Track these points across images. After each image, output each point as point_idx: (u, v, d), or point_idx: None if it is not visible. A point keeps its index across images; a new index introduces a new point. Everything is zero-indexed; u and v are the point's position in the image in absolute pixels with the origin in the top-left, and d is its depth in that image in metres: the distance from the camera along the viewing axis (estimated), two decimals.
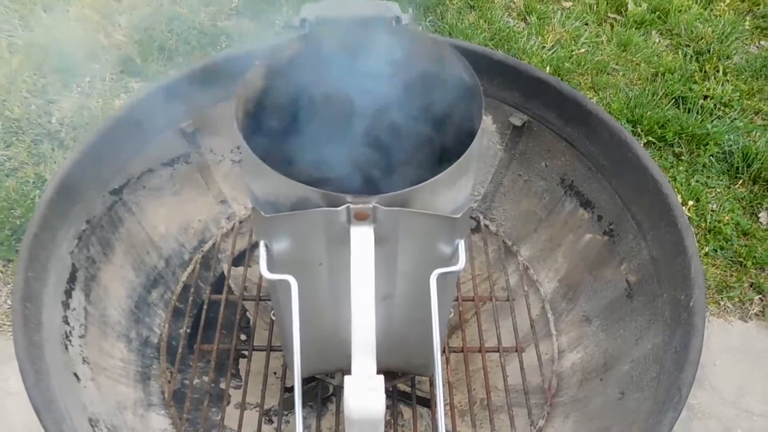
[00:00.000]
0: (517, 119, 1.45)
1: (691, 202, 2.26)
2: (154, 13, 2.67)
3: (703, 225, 2.23)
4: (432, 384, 1.33)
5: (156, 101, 1.37)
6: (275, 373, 1.47)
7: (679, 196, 2.26)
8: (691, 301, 1.08)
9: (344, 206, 0.88)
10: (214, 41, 2.58)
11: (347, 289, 0.91)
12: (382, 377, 0.90)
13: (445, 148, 1.13)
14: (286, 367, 1.38)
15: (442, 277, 0.95)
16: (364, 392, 0.87)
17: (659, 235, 1.23)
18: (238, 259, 1.56)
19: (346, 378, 0.89)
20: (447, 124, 1.10)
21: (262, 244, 0.95)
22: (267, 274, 0.94)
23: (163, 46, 2.54)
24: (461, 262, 0.94)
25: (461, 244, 0.95)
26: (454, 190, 0.97)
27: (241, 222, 1.57)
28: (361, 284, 0.91)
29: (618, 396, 1.19)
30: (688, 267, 1.12)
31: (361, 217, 0.90)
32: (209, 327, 1.42)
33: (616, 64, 2.70)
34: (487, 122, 1.50)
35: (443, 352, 1.39)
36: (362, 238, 0.91)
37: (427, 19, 2.72)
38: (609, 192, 1.36)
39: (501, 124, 1.49)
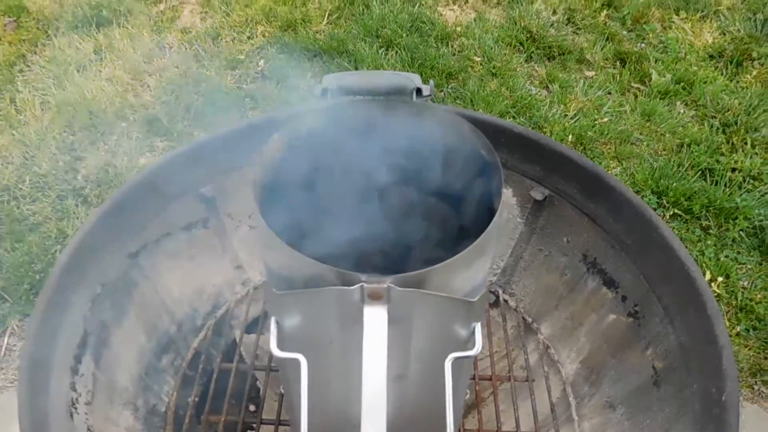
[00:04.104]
0: (538, 193, 1.42)
1: (720, 279, 2.19)
2: (182, 75, 2.75)
3: (734, 303, 2.16)
4: None
5: (177, 166, 1.38)
6: None
7: (707, 272, 2.19)
8: (723, 395, 1.02)
9: (358, 285, 0.86)
10: (239, 103, 2.64)
11: (359, 370, 0.88)
12: None
13: (463, 226, 1.11)
14: None
15: (457, 361, 0.91)
16: None
17: (687, 321, 1.17)
18: (252, 326, 1.53)
19: None
20: (465, 201, 1.08)
21: (272, 320, 0.93)
22: (277, 352, 0.92)
23: (189, 107, 2.60)
24: (478, 347, 0.91)
25: (478, 328, 0.91)
26: (472, 271, 0.94)
27: (255, 288, 1.55)
28: (373, 366, 0.87)
29: None
30: (719, 357, 1.06)
31: (374, 297, 0.88)
32: (218, 396, 1.38)
33: (640, 134, 2.68)
34: (508, 195, 1.48)
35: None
36: (375, 319, 0.88)
37: (449, 86, 2.76)
38: (633, 272, 1.31)
39: (521, 198, 1.47)
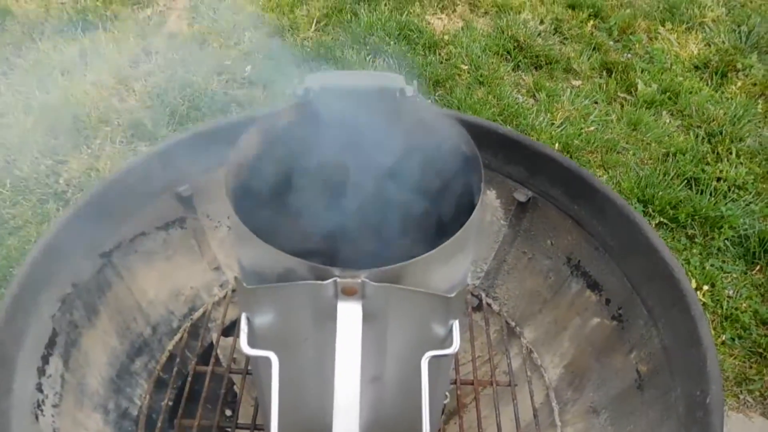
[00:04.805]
0: (521, 195, 1.41)
1: (705, 287, 2.18)
2: (168, 80, 2.72)
3: (719, 312, 2.14)
4: None
5: (154, 164, 1.35)
6: None
7: (693, 281, 2.18)
8: (707, 398, 1.00)
9: (331, 280, 0.83)
10: (225, 108, 2.61)
11: (332, 369, 0.85)
12: None
13: (443, 223, 1.09)
14: None
15: (435, 360, 0.89)
16: None
17: (672, 323, 1.15)
18: (229, 329, 1.50)
19: None
20: (446, 197, 1.06)
21: (243, 316, 0.90)
22: (247, 350, 0.89)
23: (175, 111, 2.57)
24: (455, 345, 0.88)
25: (456, 326, 0.89)
26: (450, 267, 0.92)
27: (234, 290, 1.52)
28: (346, 364, 0.85)
29: None
30: (703, 359, 1.04)
31: (348, 293, 0.85)
32: (193, 400, 1.34)
33: (627, 143, 2.68)
34: (491, 197, 1.47)
35: None
36: (349, 315, 0.86)
37: (436, 94, 2.75)
38: (618, 274, 1.29)
39: (505, 200, 1.45)
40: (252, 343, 0.89)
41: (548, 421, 1.35)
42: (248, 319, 0.90)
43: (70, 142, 2.50)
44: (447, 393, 1.18)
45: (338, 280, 0.83)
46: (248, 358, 1.41)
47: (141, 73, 2.80)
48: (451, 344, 0.88)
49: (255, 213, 0.97)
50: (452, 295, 0.85)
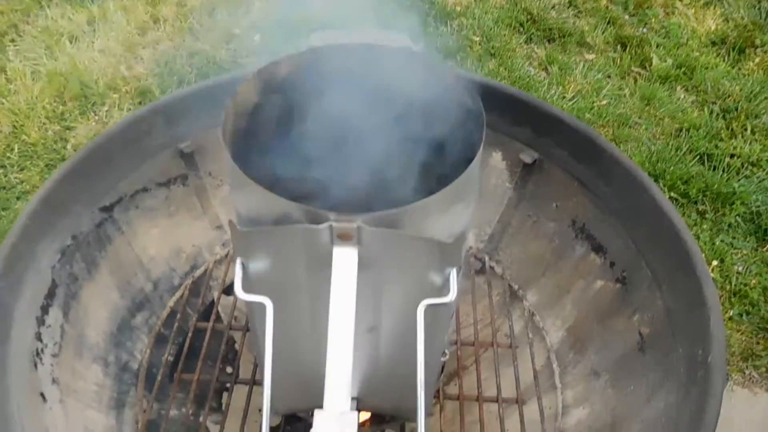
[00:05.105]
0: (527, 156, 1.38)
1: (715, 262, 2.15)
2: (177, 48, 2.71)
3: (728, 287, 2.11)
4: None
5: (155, 119, 1.34)
6: (259, 410, 1.38)
7: (702, 255, 2.15)
8: (709, 357, 0.98)
9: (327, 224, 0.82)
10: None
11: (327, 317, 0.84)
12: (356, 414, 0.82)
13: (445, 177, 1.07)
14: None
15: (431, 310, 0.87)
16: (333, 428, 0.78)
17: (676, 285, 1.13)
18: (230, 288, 1.49)
19: (316, 412, 0.81)
20: (448, 151, 1.04)
21: (238, 261, 0.89)
22: (241, 295, 0.88)
23: (182, 79, 2.55)
24: (452, 293, 0.86)
25: (453, 274, 0.87)
26: (448, 217, 0.90)
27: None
28: (340, 309, 0.83)
29: None
30: (706, 319, 1.02)
31: (344, 238, 0.83)
32: (193, 356, 1.34)
33: (639, 118, 2.64)
34: (497, 159, 1.44)
35: (437, 397, 1.29)
36: (345, 260, 0.84)
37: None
38: (623, 236, 1.27)
39: (511, 162, 1.43)
40: (246, 288, 0.88)
41: (549, 383, 1.34)
42: (243, 265, 0.89)
43: (78, 108, 2.50)
44: (446, 351, 1.17)
45: (334, 224, 0.82)
46: (248, 313, 1.40)
47: (149, 40, 2.78)
48: (448, 293, 0.87)
49: (252, 160, 0.96)
50: (449, 241, 0.83)
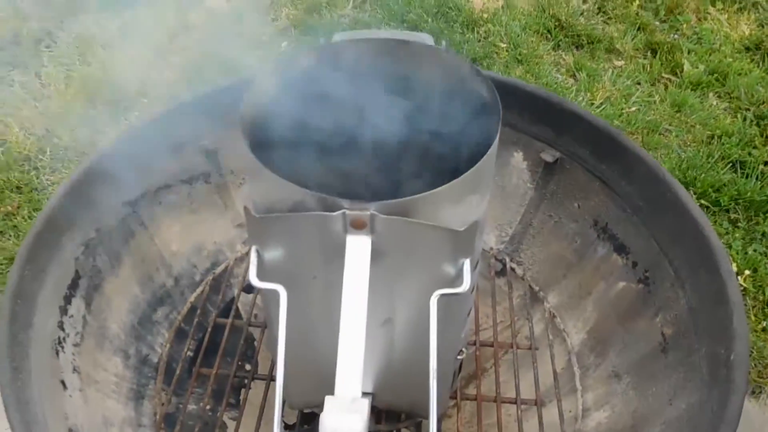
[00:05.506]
0: (548, 155, 1.37)
1: (747, 272, 2.09)
2: (205, 55, 2.76)
3: (761, 298, 2.05)
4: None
5: (179, 117, 1.36)
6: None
7: (734, 265, 2.09)
8: (731, 355, 0.95)
9: (340, 212, 0.82)
10: None
11: (340, 306, 0.84)
12: (367, 401, 0.81)
13: (461, 169, 1.06)
14: (285, 401, 1.29)
15: (445, 302, 0.86)
16: (343, 413, 0.78)
17: (698, 283, 1.10)
18: (250, 287, 1.50)
19: (327, 398, 0.80)
20: (465, 143, 1.04)
21: (253, 249, 0.90)
22: (256, 282, 0.88)
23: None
24: (465, 284, 0.86)
25: (466, 264, 0.86)
26: (462, 208, 0.90)
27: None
28: (353, 295, 0.83)
29: None
30: (729, 317, 0.99)
31: (357, 225, 0.84)
32: (212, 351, 1.35)
33: (669, 125, 2.59)
34: (518, 159, 1.43)
35: (455, 398, 1.28)
36: (358, 248, 0.84)
37: None
38: (645, 236, 1.25)
39: (532, 162, 1.42)
40: (262, 277, 0.88)
41: (569, 386, 1.31)
42: (258, 252, 0.90)
43: (109, 113, 2.56)
44: (463, 350, 1.16)
45: (347, 212, 0.82)
46: (264, 303, 1.41)
47: (179, 47, 2.84)
48: (461, 284, 0.86)
49: (270, 151, 0.97)
50: (462, 229, 0.82)
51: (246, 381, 1.33)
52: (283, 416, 1.27)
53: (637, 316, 1.24)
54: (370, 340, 0.82)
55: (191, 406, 1.32)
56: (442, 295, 0.85)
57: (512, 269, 1.48)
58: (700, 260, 1.10)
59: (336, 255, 0.85)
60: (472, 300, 1.12)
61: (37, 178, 2.31)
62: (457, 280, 0.87)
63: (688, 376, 1.07)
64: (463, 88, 1.00)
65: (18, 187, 2.28)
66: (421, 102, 1.03)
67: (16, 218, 2.17)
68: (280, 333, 0.86)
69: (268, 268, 0.90)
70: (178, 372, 1.32)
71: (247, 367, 1.46)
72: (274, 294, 0.87)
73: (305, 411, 1.29)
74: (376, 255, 0.84)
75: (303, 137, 1.03)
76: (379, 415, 1.21)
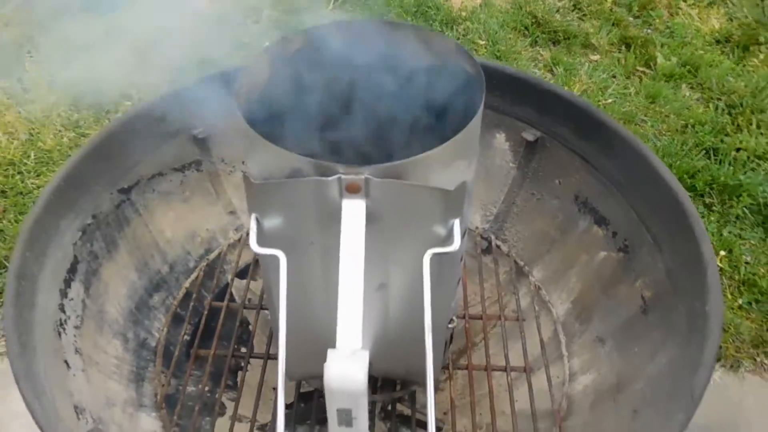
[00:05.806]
0: (529, 135, 1.42)
1: (723, 253, 2.16)
2: (187, 56, 2.78)
3: (737, 277, 2.12)
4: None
5: (170, 105, 1.40)
6: (273, 388, 1.41)
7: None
8: (706, 306, 1.00)
9: (335, 177, 0.86)
10: None
11: (338, 271, 0.88)
12: (367, 352, 0.85)
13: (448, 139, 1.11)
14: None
15: (438, 262, 0.91)
16: (346, 362, 0.82)
17: (675, 246, 1.16)
18: (243, 272, 1.53)
19: (330, 351, 0.84)
20: (452, 114, 1.09)
21: (252, 217, 0.93)
22: (256, 248, 0.92)
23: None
24: (456, 243, 0.90)
25: (456, 224, 0.91)
26: (451, 172, 0.94)
27: (248, 234, 1.55)
28: (350, 256, 0.87)
29: (631, 414, 1.10)
30: (704, 273, 1.05)
31: (352, 190, 0.88)
32: (208, 335, 1.38)
33: (645, 116, 2.67)
34: (500, 140, 1.48)
35: (447, 368, 1.32)
36: (353, 212, 0.89)
37: None
38: (624, 207, 1.30)
39: (514, 142, 1.47)
40: (261, 243, 0.92)
41: (556, 353, 1.36)
42: (257, 220, 0.93)
43: (92, 116, 2.58)
44: (454, 318, 1.20)
45: (342, 176, 0.86)
46: (262, 295, 1.44)
47: (161, 49, 2.86)
48: (452, 243, 0.91)
49: (264, 126, 1.01)
50: (451, 188, 0.87)
51: (242, 363, 1.36)
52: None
53: (619, 282, 1.30)
54: (366, 306, 0.86)
55: (190, 388, 1.35)
56: (435, 254, 0.90)
57: (498, 247, 1.53)
58: (676, 225, 1.16)
59: (332, 221, 0.89)
60: (461, 268, 1.17)
61: (22, 182, 2.32)
62: (447, 239, 0.92)
63: (668, 333, 1.12)
64: (449, 63, 1.05)
65: (3, 192, 2.29)
66: (409, 77, 1.07)
67: (2, 222, 2.18)
68: (281, 297, 0.90)
69: (268, 235, 0.94)
70: (176, 355, 1.35)
71: (243, 349, 1.49)
72: (274, 260, 0.91)
73: (301, 391, 1.33)
74: (371, 219, 0.88)
75: (297, 113, 1.07)
76: (375, 384, 1.25)
